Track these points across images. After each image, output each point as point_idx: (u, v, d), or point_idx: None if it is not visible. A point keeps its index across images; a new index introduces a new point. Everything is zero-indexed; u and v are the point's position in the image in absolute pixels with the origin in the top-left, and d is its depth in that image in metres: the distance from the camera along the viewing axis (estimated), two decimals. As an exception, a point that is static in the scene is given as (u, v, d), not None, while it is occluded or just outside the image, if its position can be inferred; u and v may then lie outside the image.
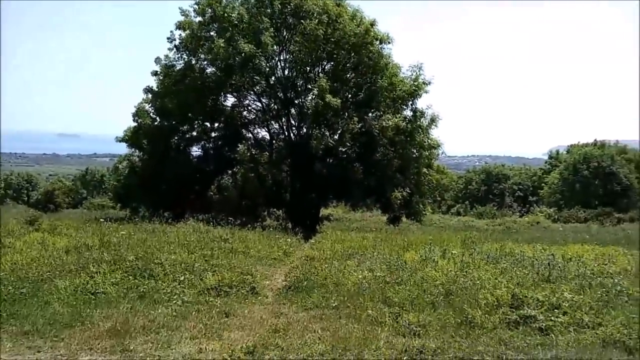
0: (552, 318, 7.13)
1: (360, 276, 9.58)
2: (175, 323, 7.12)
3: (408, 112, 25.68)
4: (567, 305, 7.50)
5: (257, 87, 25.34)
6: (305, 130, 24.95)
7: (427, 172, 26.67)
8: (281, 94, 25.29)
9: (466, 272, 9.52)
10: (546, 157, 77.65)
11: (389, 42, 25.02)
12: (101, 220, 17.17)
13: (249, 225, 17.47)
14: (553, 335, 6.68)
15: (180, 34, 24.87)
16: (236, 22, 23.69)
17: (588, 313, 7.26)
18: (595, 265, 10.65)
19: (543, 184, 64.40)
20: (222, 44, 22.35)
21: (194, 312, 7.70)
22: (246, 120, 26.37)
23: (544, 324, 6.97)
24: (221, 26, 24.19)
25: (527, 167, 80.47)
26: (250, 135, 26.70)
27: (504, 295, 7.87)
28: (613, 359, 5.87)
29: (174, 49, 25.21)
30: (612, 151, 58.98)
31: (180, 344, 6.33)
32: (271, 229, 18.49)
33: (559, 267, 9.88)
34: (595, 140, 66.20)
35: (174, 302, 8.21)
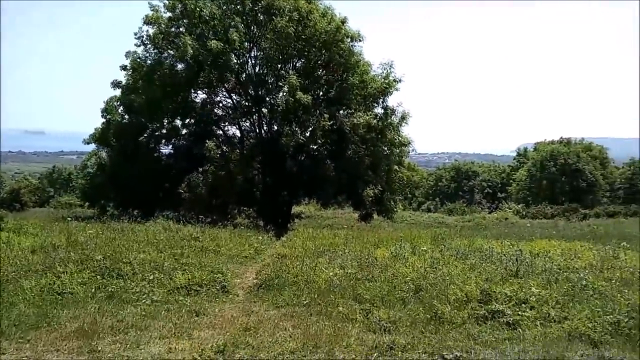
0: (520, 313, 7.24)
1: (331, 273, 9.59)
2: (144, 323, 7.03)
3: (379, 110, 25.82)
4: (534, 299, 7.62)
5: (228, 84, 25.14)
6: (276, 127, 24.87)
7: (398, 169, 26.82)
8: (252, 91, 25.15)
9: (436, 268, 9.61)
10: (514, 155, 78.96)
11: (360, 40, 25.09)
12: (68, 219, 16.87)
13: (220, 224, 17.34)
14: (520, 330, 6.79)
15: (148, 30, 24.57)
16: (207, 18, 23.48)
17: (554, 307, 7.39)
18: (562, 260, 10.82)
19: (511, 181, 65.55)
20: (189, 41, 22.15)
21: (163, 312, 7.62)
22: (217, 117, 26.13)
23: (511, 319, 7.08)
24: (191, 22, 23.95)
25: (495, 164, 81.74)
26: (221, 132, 26.51)
27: (472, 291, 7.97)
28: (579, 352, 5.97)
29: (142, 45, 24.88)
30: (578, 148, 60.34)
31: (150, 344, 6.25)
32: (242, 227, 18.41)
33: (527, 262, 10.03)
34: (561, 137, 67.65)
35: (143, 301, 8.12)
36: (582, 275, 8.95)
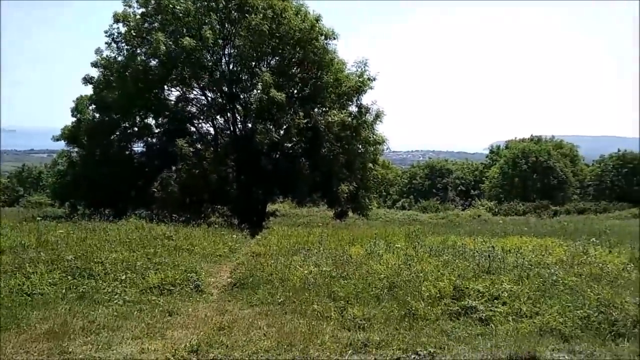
0: (492, 308, 7.34)
1: (306, 271, 9.58)
2: (117, 323, 6.94)
3: (353, 108, 25.89)
4: (506, 295, 7.72)
5: (201, 82, 24.90)
6: (250, 125, 24.73)
7: (372, 167, 26.94)
8: (226, 89, 24.96)
9: (410, 265, 9.66)
10: (487, 152, 79.93)
11: (334, 38, 25.09)
12: (38, 218, 16.55)
13: (194, 222, 17.20)
14: (493, 325, 6.88)
15: (119, 27, 24.23)
16: (181, 15, 23.23)
17: (526, 303, 7.50)
18: (533, 256, 10.97)
19: (484, 178, 66.30)
20: (162, 37, 21.91)
21: (135, 312, 7.53)
22: (190, 115, 25.86)
23: (484, 314, 7.17)
24: (164, 19, 23.69)
25: (469, 162, 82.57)
26: (194, 130, 26.25)
27: (446, 287, 8.04)
28: (550, 346, 6.06)
29: (113, 42, 24.52)
30: (549, 146, 61.32)
31: (122, 345, 6.17)
32: (216, 226, 18.29)
33: (499, 258, 10.13)
34: (531, 135, 68.73)
35: (115, 302, 8.01)
36: (553, 270, 9.07)
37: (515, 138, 71.71)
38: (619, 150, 65.35)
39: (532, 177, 56.20)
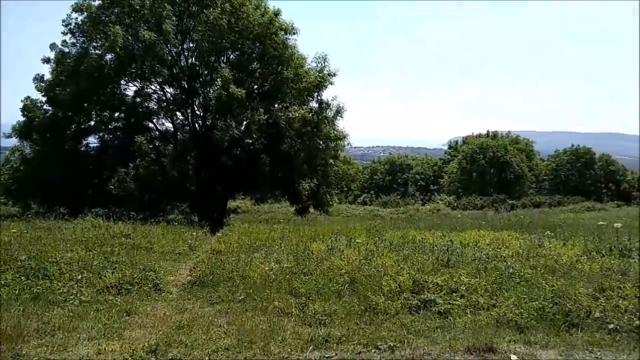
0: (451, 301, 7.43)
1: (267, 268, 9.53)
2: (72, 324, 6.74)
3: (314, 104, 25.92)
4: (464, 288, 7.83)
5: (160, 77, 24.46)
6: (210, 121, 24.49)
7: (333, 163, 27.06)
8: (185, 84, 24.65)
9: (370, 260, 9.71)
10: (446, 148, 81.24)
11: (294, 33, 25.05)
12: (-11, 217, 16.00)
13: (153, 220, 16.95)
14: (451, 318, 6.96)
15: (77, 18, 23.59)
16: (138, 7, 22.76)
17: (483, 295, 7.61)
18: (490, 249, 11.14)
19: (443, 173, 67.41)
20: (119, 30, 21.44)
21: (92, 312, 7.34)
22: (149, 111, 25.39)
23: (443, 308, 7.25)
24: (122, 11, 23.18)
25: (428, 158, 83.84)
26: (153, 126, 25.80)
27: (405, 281, 8.10)
28: (506, 338, 6.18)
29: (69, 33, 23.87)
30: (505, 141, 62.68)
31: (78, 346, 6.00)
32: (176, 223, 18.02)
33: (457, 252, 10.28)
34: (488, 131, 70.14)
35: (71, 302, 7.80)
36: (509, 263, 9.23)
37: (473, 134, 73.16)
38: (572, 146, 67.41)
39: (490, 171, 57.40)
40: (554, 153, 70.55)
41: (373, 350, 5.81)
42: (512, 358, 5.57)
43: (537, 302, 7.09)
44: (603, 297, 7.28)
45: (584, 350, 5.82)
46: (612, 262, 9.38)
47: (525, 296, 7.34)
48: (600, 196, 58.10)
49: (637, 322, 6.50)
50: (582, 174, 63.47)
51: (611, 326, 6.44)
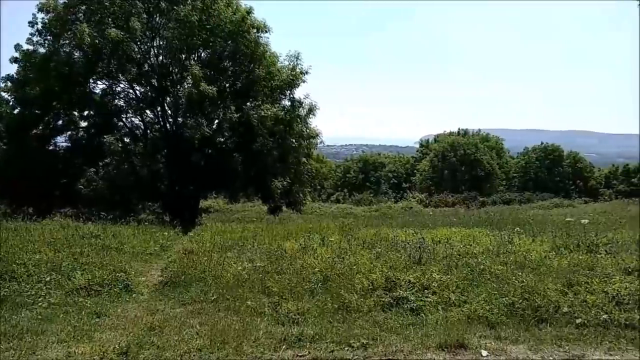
0: (423, 298, 7.50)
1: (240, 267, 9.49)
2: (41, 327, 6.63)
3: (286, 102, 25.83)
4: (436, 285, 7.90)
5: (129, 74, 24.08)
6: (181, 119, 24.21)
7: (306, 161, 27.01)
8: (155, 82, 24.33)
9: (343, 258, 9.74)
10: (417, 146, 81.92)
11: (267, 31, 24.89)
12: (-47, 219, 15.57)
13: (123, 220, 16.70)
14: (423, 315, 7.04)
15: (44, 17, 23.10)
16: (107, 4, 22.37)
17: (455, 292, 7.71)
18: (461, 246, 11.23)
19: (415, 171, 67.99)
20: (86, 29, 21.05)
21: (61, 315, 7.23)
22: (118, 109, 24.96)
23: (415, 304, 7.32)
24: (90, 8, 22.76)
25: (400, 156, 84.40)
26: (122, 124, 25.39)
27: (378, 279, 8.15)
28: (477, 333, 6.27)
29: (36, 33, 23.38)
30: (476, 139, 63.51)
31: (47, 349, 5.91)
32: (147, 223, 17.80)
33: (429, 249, 10.35)
34: (458, 129, 71.02)
35: (39, 304, 7.66)
36: (480, 260, 9.35)
37: (444, 132, 73.89)
38: (541, 143, 68.62)
39: (461, 169, 58.09)
40: (523, 151, 71.71)
41: (346, 348, 5.84)
42: (482, 354, 5.66)
43: (507, 298, 7.21)
44: (571, 292, 7.44)
45: (553, 345, 5.94)
46: (580, 257, 9.56)
47: (495, 292, 7.46)
48: (569, 193, 59.22)
49: (604, 316, 6.65)
50: (551, 171, 64.65)
51: (579, 321, 6.59)
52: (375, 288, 7.92)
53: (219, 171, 23.31)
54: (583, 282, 7.74)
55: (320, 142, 28.42)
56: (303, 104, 25.86)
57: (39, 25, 23.29)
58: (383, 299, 7.56)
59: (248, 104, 24.18)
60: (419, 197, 50.10)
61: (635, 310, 6.76)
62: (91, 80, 24.16)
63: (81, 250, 10.97)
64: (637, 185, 62.45)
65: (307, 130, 26.16)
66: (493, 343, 5.98)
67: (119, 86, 24.80)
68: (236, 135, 23.50)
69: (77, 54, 23.01)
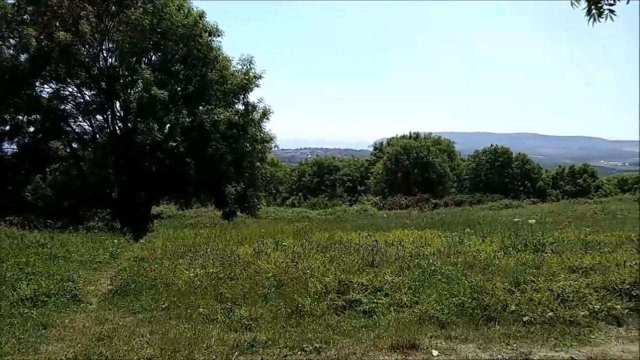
0: (375, 300, 7.57)
1: (192, 274, 9.38)
2: (-17, 340, 6.38)
3: (240, 106, 25.70)
4: (388, 287, 7.99)
5: (78, 78, 23.44)
6: (131, 124, 23.72)
7: (260, 165, 26.89)
8: (105, 86, 23.75)
9: (297, 262, 9.74)
10: (371, 149, 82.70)
11: (219, 35, 24.73)
12: None
13: (71, 228, 16.26)
14: (376, 317, 7.10)
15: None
16: (55, 7, 21.72)
17: (407, 293, 7.80)
18: (413, 248, 11.36)
19: (369, 174, 68.58)
20: (33, 32, 20.41)
21: (6, 327, 6.97)
22: (66, 113, 24.24)
23: (367, 307, 7.38)
24: (37, 10, 22.05)
25: (355, 159, 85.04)
26: (71, 129, 24.68)
27: (331, 282, 8.18)
28: (428, 333, 6.36)
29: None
30: (428, 143, 64.56)
31: (-11, 364, 5.70)
32: (97, 231, 17.39)
33: (382, 252, 10.46)
34: (410, 132, 72.11)
35: (-18, 317, 7.37)
36: (431, 261, 9.48)
37: (397, 135, 74.85)
38: (491, 146, 70.28)
39: (414, 172, 58.89)
40: (474, 153, 73.24)
41: (299, 353, 5.84)
42: (433, 353, 5.74)
43: (457, 298, 7.33)
44: (518, 291, 7.63)
45: (501, 343, 6.07)
46: (527, 257, 9.82)
47: (446, 292, 7.57)
48: (518, 194, 60.80)
49: (549, 313, 6.85)
50: (501, 173, 66.29)
51: (526, 318, 6.76)
52: (328, 291, 7.94)
53: (171, 176, 22.95)
54: (530, 281, 7.95)
55: (275, 146, 28.40)
56: (257, 108, 25.81)
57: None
58: (336, 302, 7.59)
59: (201, 108, 23.94)
60: (374, 199, 50.55)
61: (580, 307, 6.99)
62: (38, 84, 23.43)
63: (27, 259, 10.64)
64: (583, 185, 64.80)
65: (261, 134, 26.09)
66: (443, 343, 6.07)
67: (68, 90, 24.09)
68: (189, 140, 23.18)
69: (23, 57, 22.27)
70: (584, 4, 4.70)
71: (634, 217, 20.96)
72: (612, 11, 4.68)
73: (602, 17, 4.69)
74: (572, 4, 4.69)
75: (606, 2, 4.65)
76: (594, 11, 4.69)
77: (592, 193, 60.93)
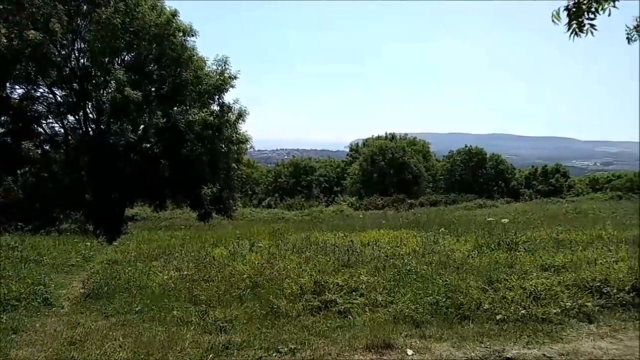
0: (351, 300, 7.57)
1: (166, 276, 9.28)
2: (-50, 347, 6.23)
3: (215, 107, 25.58)
4: (363, 287, 8.00)
5: (49, 78, 23.07)
6: (104, 125, 23.42)
7: (236, 166, 26.80)
8: (77, 86, 23.42)
9: (273, 263, 9.70)
10: (347, 150, 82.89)
11: (193, 35, 24.59)
12: None
13: (43, 230, 15.97)
14: (351, 317, 7.11)
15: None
16: (26, 5, 21.31)
17: (382, 293, 7.82)
18: (389, 248, 11.37)
19: (346, 175, 68.72)
20: (2, 29, 20.02)
21: (-27, 333, 6.81)
22: (37, 114, 23.86)
23: (343, 307, 7.38)
24: (6, 8, 21.62)
25: (331, 160, 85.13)
26: (42, 130, 24.28)
27: (307, 283, 8.16)
28: (403, 333, 6.39)
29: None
30: (403, 143, 64.95)
31: (-44, 371, 5.56)
32: (69, 233, 17.09)
33: (357, 252, 10.48)
34: (386, 133, 72.47)
35: (-51, 323, 7.19)
36: (406, 260, 9.52)
37: (373, 136, 75.11)
38: (465, 146, 71.00)
39: (389, 172, 59.17)
40: (448, 154, 73.90)
41: (274, 354, 5.82)
42: (408, 353, 5.77)
43: (431, 297, 7.38)
44: (491, 290, 7.72)
45: (475, 341, 6.14)
46: (500, 255, 9.92)
47: (420, 292, 7.61)
48: (492, 193, 61.54)
49: (522, 311, 6.94)
50: (475, 173, 67.03)
51: (499, 316, 6.85)
52: (304, 292, 7.92)
53: (145, 178, 22.73)
54: (503, 280, 8.05)
55: (251, 147, 28.35)
56: (232, 109, 25.72)
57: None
58: (312, 303, 7.57)
59: (175, 108, 23.76)
60: (350, 200, 50.67)
61: (552, 305, 7.10)
62: (8, 85, 23.00)
63: (-4, 263, 10.40)
64: (555, 185, 65.79)
65: (237, 135, 26.00)
66: (418, 342, 6.11)
67: (39, 91, 23.75)
68: (163, 141, 23.00)
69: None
70: (564, 20, 4.72)
71: (604, 216, 21.36)
72: (592, 25, 4.71)
73: (583, 32, 4.71)
74: (552, 20, 4.72)
75: (587, 17, 4.68)
76: (574, 26, 4.72)
77: (565, 192, 61.89)
